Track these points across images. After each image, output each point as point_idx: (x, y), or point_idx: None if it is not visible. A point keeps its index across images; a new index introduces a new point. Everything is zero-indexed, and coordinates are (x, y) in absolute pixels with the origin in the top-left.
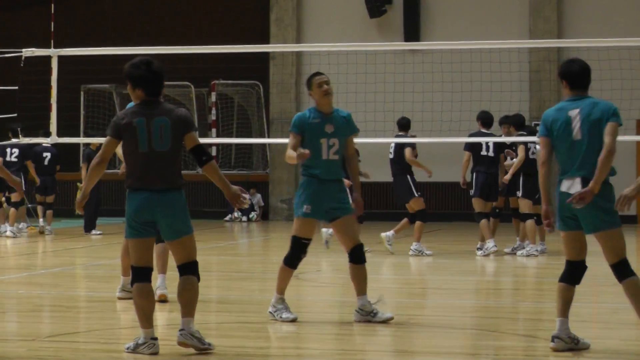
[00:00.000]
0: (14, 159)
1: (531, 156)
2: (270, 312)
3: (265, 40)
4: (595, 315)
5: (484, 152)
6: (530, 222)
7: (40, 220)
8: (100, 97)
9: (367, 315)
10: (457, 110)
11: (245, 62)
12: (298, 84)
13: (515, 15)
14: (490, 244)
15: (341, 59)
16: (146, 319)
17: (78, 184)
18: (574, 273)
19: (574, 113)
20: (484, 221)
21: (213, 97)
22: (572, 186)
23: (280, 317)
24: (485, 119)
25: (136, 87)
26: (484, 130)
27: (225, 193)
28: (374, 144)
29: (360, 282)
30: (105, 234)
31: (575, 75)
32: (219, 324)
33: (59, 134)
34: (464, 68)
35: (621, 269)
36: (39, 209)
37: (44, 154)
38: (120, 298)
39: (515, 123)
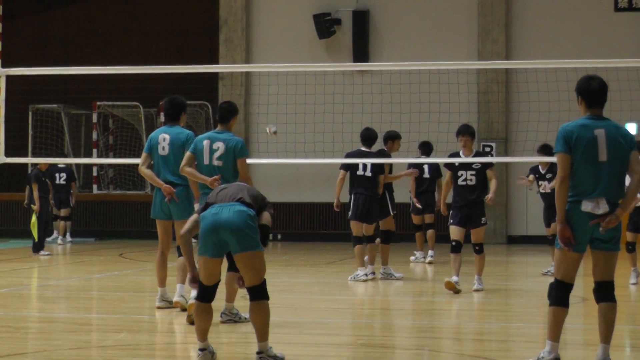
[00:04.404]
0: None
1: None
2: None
3: (214, 60)
4: (543, 336)
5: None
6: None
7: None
8: (49, 117)
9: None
10: (406, 131)
11: (194, 83)
12: (247, 105)
13: (464, 37)
14: (418, 254)
15: (290, 79)
16: (199, 332)
17: (32, 206)
18: (567, 294)
19: (600, 133)
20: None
21: (162, 117)
22: (598, 207)
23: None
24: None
25: None
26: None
27: None
28: (323, 164)
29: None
30: (53, 255)
31: (594, 92)
32: (167, 344)
33: (7, 154)
34: (413, 89)
35: (607, 289)
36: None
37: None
38: (159, 307)
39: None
